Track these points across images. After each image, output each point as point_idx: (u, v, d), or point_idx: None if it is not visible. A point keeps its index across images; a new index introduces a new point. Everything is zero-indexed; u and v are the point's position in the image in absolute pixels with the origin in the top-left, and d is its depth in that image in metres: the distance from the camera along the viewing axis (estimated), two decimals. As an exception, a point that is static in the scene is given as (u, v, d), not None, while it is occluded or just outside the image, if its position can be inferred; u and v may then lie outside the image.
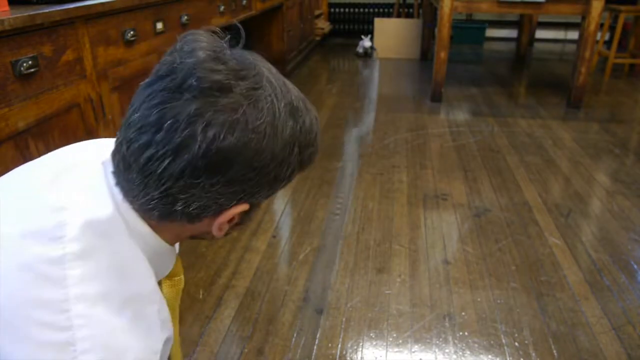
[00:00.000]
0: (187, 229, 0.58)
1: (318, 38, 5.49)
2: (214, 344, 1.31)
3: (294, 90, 0.56)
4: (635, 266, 1.64)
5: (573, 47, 5.54)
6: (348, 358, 1.27)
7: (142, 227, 0.55)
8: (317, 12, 5.55)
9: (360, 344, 1.32)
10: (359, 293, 1.51)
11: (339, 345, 1.31)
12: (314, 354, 1.28)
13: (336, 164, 2.44)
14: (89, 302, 0.48)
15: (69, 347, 0.47)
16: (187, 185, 0.50)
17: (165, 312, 0.59)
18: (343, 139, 2.79)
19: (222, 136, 0.47)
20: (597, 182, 2.26)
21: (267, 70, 0.54)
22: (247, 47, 0.55)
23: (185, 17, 2.02)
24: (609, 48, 4.38)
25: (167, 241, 0.59)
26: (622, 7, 3.99)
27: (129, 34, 1.56)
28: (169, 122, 0.47)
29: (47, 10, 1.17)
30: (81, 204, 0.51)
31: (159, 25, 1.78)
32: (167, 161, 0.48)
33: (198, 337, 1.33)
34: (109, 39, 1.47)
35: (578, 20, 4.00)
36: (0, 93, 1.06)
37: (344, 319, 1.40)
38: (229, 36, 0.54)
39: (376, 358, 1.27)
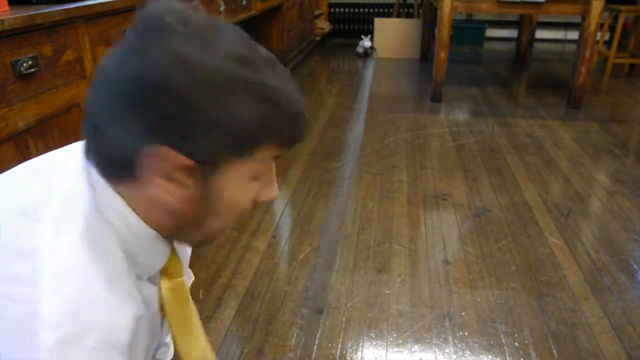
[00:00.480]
0: (149, 199, 0.52)
1: (318, 38, 5.49)
2: (214, 344, 1.31)
3: (262, 49, 0.52)
4: (635, 266, 1.64)
5: (573, 47, 5.54)
6: (348, 358, 1.27)
7: (116, 201, 0.52)
8: (317, 12, 5.56)
9: (360, 344, 1.32)
10: (359, 293, 1.51)
11: (339, 345, 1.31)
12: (314, 354, 1.28)
13: (336, 164, 2.44)
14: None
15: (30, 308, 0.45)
16: (114, 116, 0.48)
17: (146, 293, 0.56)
18: (343, 139, 2.79)
19: (146, 67, 0.46)
20: (597, 182, 2.26)
21: (227, 26, 0.51)
22: None
23: (185, 17, 2.01)
24: (609, 48, 4.38)
25: (149, 224, 0.54)
26: (622, 7, 3.99)
27: (129, 34, 1.56)
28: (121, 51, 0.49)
29: (47, 10, 1.17)
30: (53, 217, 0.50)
31: (159, 25, 1.77)
32: (103, 92, 0.49)
33: (198, 337, 1.33)
34: (109, 39, 1.47)
35: (578, 20, 4.00)
36: (0, 93, 1.06)
37: (344, 319, 1.40)
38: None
39: (376, 358, 1.27)
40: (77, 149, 0.56)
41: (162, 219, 0.54)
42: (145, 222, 0.53)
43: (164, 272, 0.61)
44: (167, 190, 0.51)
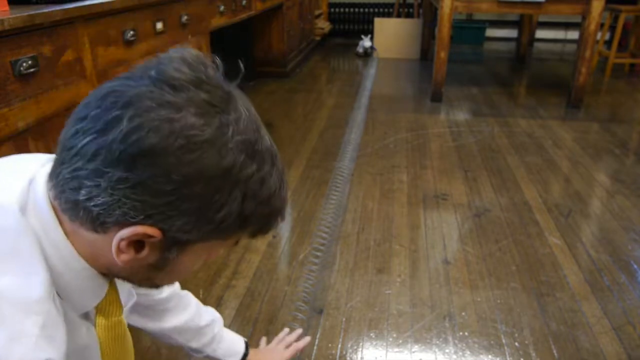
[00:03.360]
0: (99, 246, 0.49)
1: (318, 38, 5.49)
2: (214, 344, 1.31)
3: (266, 138, 0.50)
4: (635, 266, 1.64)
5: (573, 47, 5.54)
6: (348, 358, 1.27)
7: (55, 229, 0.49)
8: (317, 12, 5.55)
9: (360, 344, 1.32)
10: (359, 293, 1.51)
11: (339, 345, 1.31)
12: (314, 354, 1.28)
13: (336, 164, 2.44)
14: None
15: None
16: (96, 171, 0.44)
17: (56, 331, 0.48)
18: (343, 139, 2.79)
19: (147, 129, 0.42)
20: (597, 182, 2.26)
21: (243, 104, 0.48)
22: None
23: (185, 17, 2.02)
24: (609, 48, 4.38)
25: (87, 260, 0.51)
26: (623, 7, 3.99)
27: (129, 34, 1.56)
28: (110, 100, 0.44)
29: (47, 10, 1.17)
30: None
31: (159, 25, 1.78)
32: (88, 138, 0.44)
33: (198, 337, 1.33)
34: (109, 39, 1.47)
35: (578, 20, 4.00)
36: (0, 93, 1.06)
37: (344, 319, 1.40)
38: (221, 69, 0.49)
39: (376, 358, 1.27)
40: (35, 158, 0.54)
41: (105, 265, 0.51)
42: (84, 258, 0.51)
43: (100, 310, 0.58)
44: (121, 248, 0.48)
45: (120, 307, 0.61)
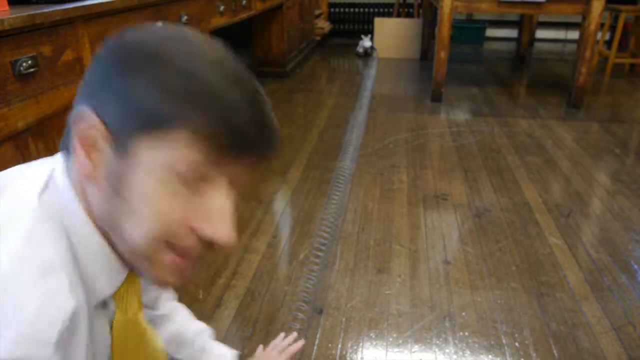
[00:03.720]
0: (77, 171, 0.49)
1: (318, 38, 5.48)
2: (214, 344, 1.31)
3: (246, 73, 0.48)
4: (635, 266, 1.64)
5: (573, 47, 5.54)
6: (348, 358, 1.27)
7: (71, 200, 0.49)
8: (317, 12, 5.55)
9: (360, 344, 1.32)
10: (359, 293, 1.51)
11: (339, 345, 1.31)
12: (314, 354, 1.28)
13: (336, 164, 2.44)
14: None
15: None
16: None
17: (54, 311, 0.44)
18: (343, 139, 2.79)
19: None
20: (597, 182, 2.26)
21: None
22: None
23: (185, 17, 2.02)
24: (609, 48, 4.38)
25: (90, 217, 0.50)
26: (623, 7, 3.99)
27: (129, 34, 1.56)
28: None
29: (46, 10, 1.17)
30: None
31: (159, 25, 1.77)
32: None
33: (198, 337, 1.33)
34: (109, 38, 1.47)
35: (578, 20, 4.00)
36: (0, 93, 1.06)
37: (344, 319, 1.40)
38: None
39: (376, 358, 1.27)
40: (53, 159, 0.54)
41: (93, 208, 0.49)
42: (88, 216, 0.50)
43: (118, 301, 0.55)
44: (84, 156, 0.47)
45: (140, 303, 0.57)
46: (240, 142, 0.45)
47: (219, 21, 2.49)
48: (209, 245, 0.48)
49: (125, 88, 0.45)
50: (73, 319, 0.46)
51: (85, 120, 0.46)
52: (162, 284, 0.50)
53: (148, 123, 0.44)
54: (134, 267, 0.51)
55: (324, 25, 5.67)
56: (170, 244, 0.48)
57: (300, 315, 1.41)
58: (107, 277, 0.51)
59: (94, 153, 0.47)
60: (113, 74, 0.46)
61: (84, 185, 0.49)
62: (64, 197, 0.49)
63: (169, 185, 0.45)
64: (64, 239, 0.48)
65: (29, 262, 0.44)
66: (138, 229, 0.47)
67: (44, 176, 0.50)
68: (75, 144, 0.47)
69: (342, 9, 6.24)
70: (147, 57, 0.45)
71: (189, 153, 0.44)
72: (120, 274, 0.53)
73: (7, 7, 1.16)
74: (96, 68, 0.47)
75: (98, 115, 0.46)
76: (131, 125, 0.44)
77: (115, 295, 0.54)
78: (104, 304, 0.54)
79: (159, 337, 0.62)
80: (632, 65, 4.43)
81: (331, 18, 6.26)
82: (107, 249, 0.50)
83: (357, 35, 5.76)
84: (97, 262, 0.50)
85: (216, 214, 0.47)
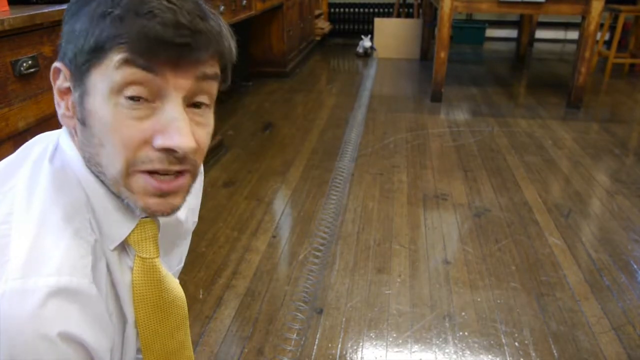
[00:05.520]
0: (60, 119, 0.56)
1: (318, 38, 5.49)
2: (214, 344, 1.31)
3: None
4: (635, 266, 1.64)
5: (573, 47, 5.54)
6: (348, 358, 1.27)
7: (71, 150, 0.55)
8: (317, 12, 5.56)
9: (360, 344, 1.32)
10: (359, 293, 1.51)
11: (339, 345, 1.31)
12: (314, 354, 1.28)
13: (336, 164, 2.44)
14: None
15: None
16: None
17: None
18: (343, 139, 2.79)
19: None
20: (597, 182, 2.26)
21: None
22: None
23: (185, 17, 2.01)
24: (609, 48, 4.38)
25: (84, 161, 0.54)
26: (622, 7, 3.99)
27: (129, 34, 1.56)
28: None
29: (47, 10, 1.17)
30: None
31: (159, 25, 1.77)
32: None
33: (198, 337, 1.33)
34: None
35: (578, 20, 4.00)
36: (0, 93, 1.06)
37: (344, 319, 1.40)
38: None
39: (376, 358, 1.27)
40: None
41: (79, 147, 0.54)
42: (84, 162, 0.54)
43: (135, 244, 0.58)
44: (64, 106, 0.53)
45: (157, 247, 0.59)
46: (159, 46, 0.47)
47: (219, 21, 2.49)
48: (171, 157, 0.50)
49: (72, 29, 0.50)
50: (94, 252, 0.53)
51: (57, 73, 0.53)
52: (152, 211, 0.53)
53: (90, 52, 0.48)
54: (124, 201, 0.54)
55: (324, 25, 5.68)
56: (143, 169, 0.51)
57: (300, 315, 1.41)
58: (117, 221, 0.55)
59: (68, 99, 0.53)
60: (66, 22, 0.51)
61: (73, 134, 0.55)
62: (68, 154, 0.54)
63: (123, 110, 0.49)
64: (80, 189, 0.54)
65: (54, 211, 0.51)
66: (110, 161, 0.51)
67: (53, 140, 0.57)
68: (56, 98, 0.54)
69: (342, 9, 6.24)
70: (83, 1, 0.50)
71: (126, 69, 0.47)
72: (128, 218, 0.56)
73: (7, 7, 1.16)
74: (62, 28, 0.53)
75: (64, 63, 0.52)
76: (82, 57, 0.49)
77: (131, 241, 0.57)
78: (123, 248, 0.58)
79: (178, 284, 0.64)
80: (632, 65, 4.43)
81: (331, 18, 6.26)
82: (109, 193, 0.54)
83: (357, 35, 5.76)
84: (107, 207, 0.54)
85: (170, 124, 0.49)
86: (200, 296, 1.49)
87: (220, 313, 1.42)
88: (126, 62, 0.47)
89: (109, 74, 0.47)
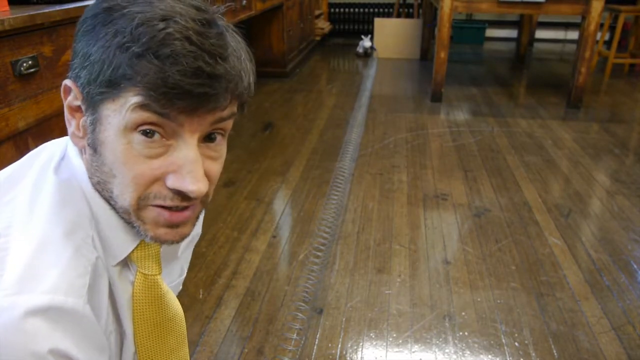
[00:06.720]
0: (72, 141, 0.55)
1: (318, 38, 5.49)
2: (214, 344, 1.31)
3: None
4: (635, 266, 1.64)
5: (573, 47, 5.54)
6: (348, 358, 1.27)
7: (79, 167, 0.54)
8: (317, 12, 5.56)
9: (360, 344, 1.32)
10: (359, 293, 1.51)
11: (339, 345, 1.31)
12: (314, 354, 1.28)
13: (336, 164, 2.44)
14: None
15: None
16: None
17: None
18: (343, 139, 2.79)
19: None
20: (597, 182, 2.26)
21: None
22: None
23: (185, 17, 2.01)
24: (609, 48, 4.38)
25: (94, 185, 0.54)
26: (622, 7, 3.99)
27: (129, 34, 1.56)
28: None
29: (47, 10, 1.17)
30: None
31: (159, 25, 1.77)
32: None
33: (198, 337, 1.33)
34: (109, 39, 1.47)
35: (578, 20, 4.00)
36: (0, 93, 1.06)
37: (344, 319, 1.40)
38: None
39: (376, 358, 1.27)
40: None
41: (87, 167, 0.53)
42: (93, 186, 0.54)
43: (137, 262, 0.58)
44: (75, 125, 0.52)
45: (159, 265, 0.59)
46: (177, 95, 0.45)
47: (219, 21, 2.49)
48: (182, 196, 0.50)
49: (87, 52, 0.48)
50: (95, 270, 0.52)
51: (69, 91, 0.52)
52: (162, 240, 0.53)
53: (105, 86, 0.47)
54: (133, 226, 0.53)
55: (324, 25, 5.68)
56: (155, 204, 0.51)
57: (300, 315, 1.41)
58: (120, 238, 0.55)
59: (79, 118, 0.52)
60: (79, 42, 0.50)
61: (82, 152, 0.54)
62: (75, 165, 0.54)
63: (137, 147, 0.48)
64: (84, 202, 0.53)
65: (56, 225, 0.50)
66: (121, 192, 0.50)
67: (60, 148, 0.56)
68: (67, 115, 0.53)
69: (342, 9, 6.24)
70: (101, 21, 0.48)
71: (141, 113, 0.46)
72: (132, 236, 0.56)
73: (7, 7, 1.16)
74: (74, 41, 0.52)
75: (76, 84, 0.50)
76: (95, 88, 0.48)
77: (134, 258, 0.57)
78: (125, 264, 0.58)
79: (177, 302, 0.64)
80: (632, 65, 4.43)
81: (331, 18, 6.26)
82: (114, 211, 0.54)
83: (357, 35, 5.76)
84: (111, 224, 0.54)
85: (184, 167, 0.49)
86: (200, 296, 1.49)
87: (220, 313, 1.42)
88: (142, 106, 0.46)
89: (123, 112, 0.47)
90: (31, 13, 1.12)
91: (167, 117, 0.47)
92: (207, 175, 0.51)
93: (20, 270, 0.46)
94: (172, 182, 0.49)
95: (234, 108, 0.51)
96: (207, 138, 0.51)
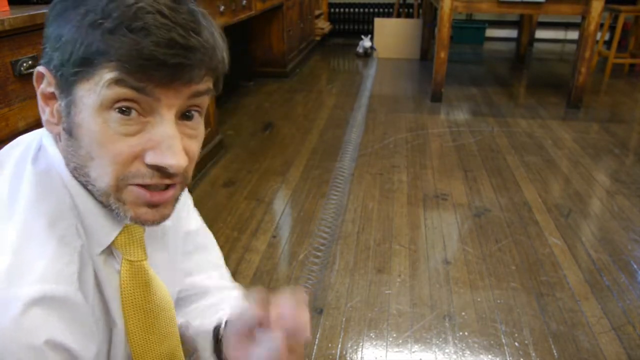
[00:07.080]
0: (45, 126, 0.54)
1: (318, 38, 5.49)
2: (214, 344, 1.31)
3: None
4: (635, 266, 1.64)
5: (573, 47, 5.54)
6: (348, 358, 1.27)
7: (56, 155, 0.53)
8: (317, 12, 5.56)
9: (360, 344, 1.32)
10: (359, 293, 1.51)
11: (339, 345, 1.31)
12: (314, 354, 1.28)
13: (336, 164, 2.44)
14: None
15: None
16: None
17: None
18: (343, 139, 2.79)
19: None
20: (597, 182, 2.26)
21: None
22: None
23: (185, 17, 2.01)
24: (609, 48, 4.38)
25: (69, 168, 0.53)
26: (622, 7, 3.99)
27: (129, 34, 1.56)
28: None
29: (47, 10, 1.17)
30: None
31: (159, 25, 1.77)
32: None
33: (198, 337, 1.33)
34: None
35: (578, 20, 4.00)
36: (0, 93, 1.06)
37: (344, 319, 1.40)
38: None
39: (376, 358, 1.27)
40: None
41: (63, 155, 0.53)
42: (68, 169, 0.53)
43: (122, 248, 0.57)
44: (48, 112, 0.51)
45: (144, 250, 0.59)
46: (152, 66, 0.45)
47: (218, 21, 2.49)
48: (162, 172, 0.49)
49: (58, 34, 0.48)
50: (81, 259, 0.52)
51: (41, 77, 0.51)
52: (142, 220, 0.52)
53: (78, 65, 0.46)
54: (113, 210, 0.52)
55: (324, 25, 5.68)
56: (134, 183, 0.50)
57: (300, 315, 1.41)
58: (103, 224, 0.54)
59: (53, 104, 0.51)
60: (50, 27, 0.49)
61: (57, 140, 0.53)
62: (52, 155, 0.53)
63: (114, 125, 0.47)
64: (65, 191, 0.52)
65: (38, 217, 0.50)
66: (100, 174, 0.50)
67: (36, 140, 0.55)
68: (40, 103, 0.52)
69: (342, 9, 6.24)
70: (71, 3, 0.48)
71: (116, 88, 0.46)
72: (114, 222, 0.55)
73: (7, 7, 1.16)
74: (44, 27, 0.51)
75: (48, 69, 0.49)
76: (69, 68, 0.47)
77: (118, 245, 0.57)
78: (109, 252, 0.57)
79: (165, 287, 0.63)
80: (632, 65, 4.43)
81: (331, 18, 6.26)
82: (93, 199, 0.53)
83: (357, 35, 5.76)
84: (93, 211, 0.53)
85: (162, 142, 0.48)
86: (200, 296, 1.49)
87: (220, 313, 1.42)
88: (117, 82, 0.45)
89: (98, 90, 0.46)
90: (31, 13, 1.12)
91: (143, 92, 0.46)
92: (186, 152, 0.51)
93: (6, 265, 0.46)
94: (151, 158, 0.48)
95: (209, 83, 0.51)
96: (185, 116, 0.51)
